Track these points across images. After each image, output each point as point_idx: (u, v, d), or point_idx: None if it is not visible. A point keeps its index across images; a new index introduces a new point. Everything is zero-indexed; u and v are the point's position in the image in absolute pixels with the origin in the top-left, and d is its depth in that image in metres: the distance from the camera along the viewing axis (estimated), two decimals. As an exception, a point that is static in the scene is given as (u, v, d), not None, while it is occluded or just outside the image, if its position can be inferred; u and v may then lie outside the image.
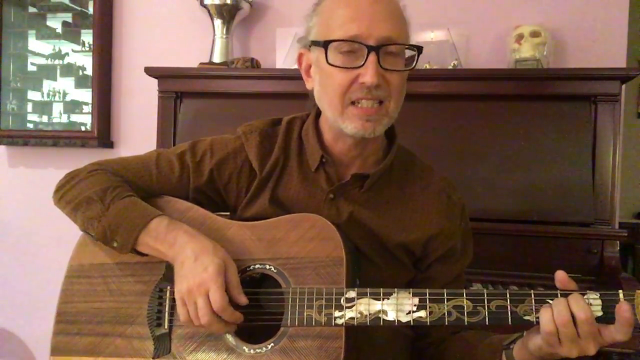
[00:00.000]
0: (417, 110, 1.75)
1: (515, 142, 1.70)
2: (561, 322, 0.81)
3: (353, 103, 0.97)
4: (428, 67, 1.87)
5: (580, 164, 1.65)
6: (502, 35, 1.94)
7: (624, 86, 1.70)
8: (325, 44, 0.96)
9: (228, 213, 1.14)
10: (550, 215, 1.64)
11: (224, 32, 2.11)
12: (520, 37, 1.84)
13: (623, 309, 0.80)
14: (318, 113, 1.10)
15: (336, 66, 0.95)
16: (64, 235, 1.10)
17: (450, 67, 1.87)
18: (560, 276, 0.86)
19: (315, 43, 0.99)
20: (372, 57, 0.93)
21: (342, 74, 0.95)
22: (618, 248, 1.60)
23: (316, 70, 1.02)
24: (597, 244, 1.60)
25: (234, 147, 1.11)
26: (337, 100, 0.97)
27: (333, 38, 0.95)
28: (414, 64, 1.00)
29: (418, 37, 1.97)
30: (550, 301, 0.85)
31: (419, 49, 0.99)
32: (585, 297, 0.83)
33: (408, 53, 1.01)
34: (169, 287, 1.00)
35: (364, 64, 0.93)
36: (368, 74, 0.93)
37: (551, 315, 0.82)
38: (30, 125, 2.39)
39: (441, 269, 1.09)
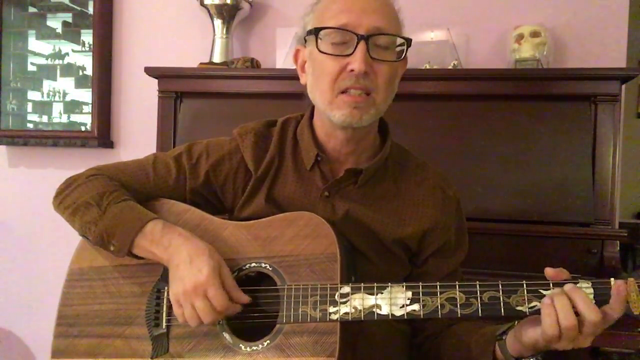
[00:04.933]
0: (417, 110, 1.75)
1: (515, 142, 1.70)
2: (567, 326, 0.80)
3: (343, 92, 0.99)
4: (428, 67, 1.87)
5: (580, 164, 1.65)
6: (502, 35, 1.94)
7: (624, 86, 1.70)
8: (316, 31, 0.99)
9: (226, 215, 1.14)
10: (550, 215, 1.64)
11: (224, 32, 2.11)
12: (520, 37, 1.84)
13: (620, 288, 0.82)
14: (312, 113, 1.12)
15: (327, 53, 0.98)
16: (64, 235, 1.10)
17: (450, 67, 1.87)
18: (550, 272, 0.87)
19: (308, 32, 1.02)
20: (362, 45, 0.96)
21: (333, 62, 0.98)
22: (618, 248, 1.60)
23: (310, 63, 1.05)
24: (597, 244, 1.60)
25: (229, 148, 1.12)
26: (327, 88, 0.99)
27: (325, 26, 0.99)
28: (403, 56, 1.02)
29: (418, 37, 1.97)
30: (543, 291, 0.85)
31: (408, 41, 1.01)
32: (577, 285, 0.84)
33: (401, 50, 1.03)
34: (166, 288, 1.00)
35: (353, 52, 0.96)
36: (356, 61, 0.95)
37: (555, 319, 0.81)
38: (30, 125, 2.39)
39: (436, 263, 1.10)
